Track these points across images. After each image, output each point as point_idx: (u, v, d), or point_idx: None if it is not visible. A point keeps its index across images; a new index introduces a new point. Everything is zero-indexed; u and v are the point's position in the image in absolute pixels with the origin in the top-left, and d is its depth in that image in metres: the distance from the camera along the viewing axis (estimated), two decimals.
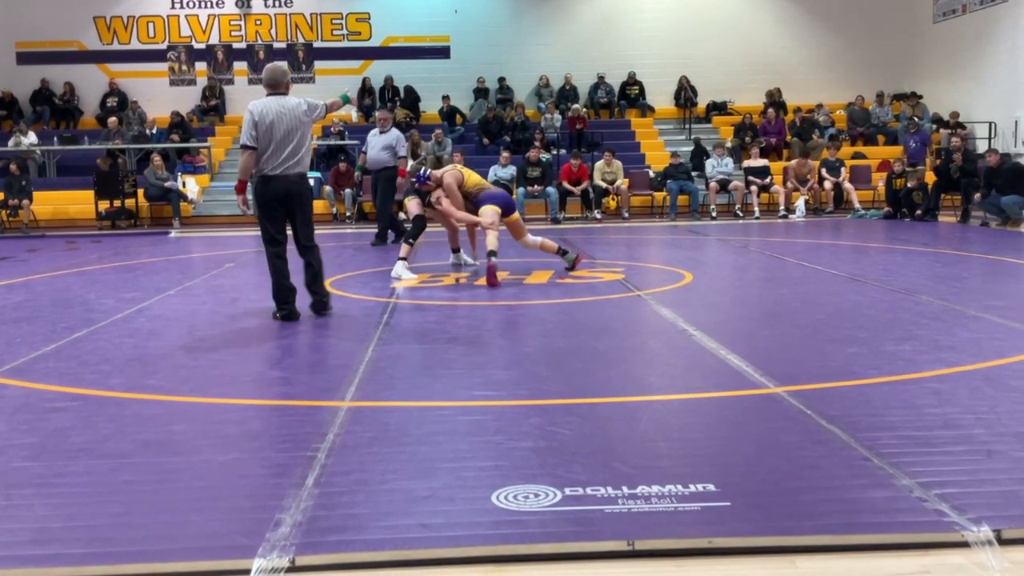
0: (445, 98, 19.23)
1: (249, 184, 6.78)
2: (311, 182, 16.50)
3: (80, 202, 16.47)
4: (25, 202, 15.40)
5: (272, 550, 2.81)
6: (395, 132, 11.95)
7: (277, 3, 20.01)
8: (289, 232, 6.87)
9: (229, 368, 5.55)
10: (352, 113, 19.28)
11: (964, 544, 2.84)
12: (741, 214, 15.93)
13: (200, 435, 4.08)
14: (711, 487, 3.26)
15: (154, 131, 18.11)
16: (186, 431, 4.12)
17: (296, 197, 6.63)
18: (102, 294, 8.33)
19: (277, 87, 6.66)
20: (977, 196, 13.98)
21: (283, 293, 6.77)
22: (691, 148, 18.30)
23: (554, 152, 17.57)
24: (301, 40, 20.08)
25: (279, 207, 6.64)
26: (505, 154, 16.06)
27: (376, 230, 12.37)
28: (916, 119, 17.87)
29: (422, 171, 9.27)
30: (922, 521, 2.98)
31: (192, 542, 2.90)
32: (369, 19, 20.21)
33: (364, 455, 3.69)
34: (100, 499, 3.29)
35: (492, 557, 2.81)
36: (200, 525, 3.04)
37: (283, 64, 6.94)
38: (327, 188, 16.48)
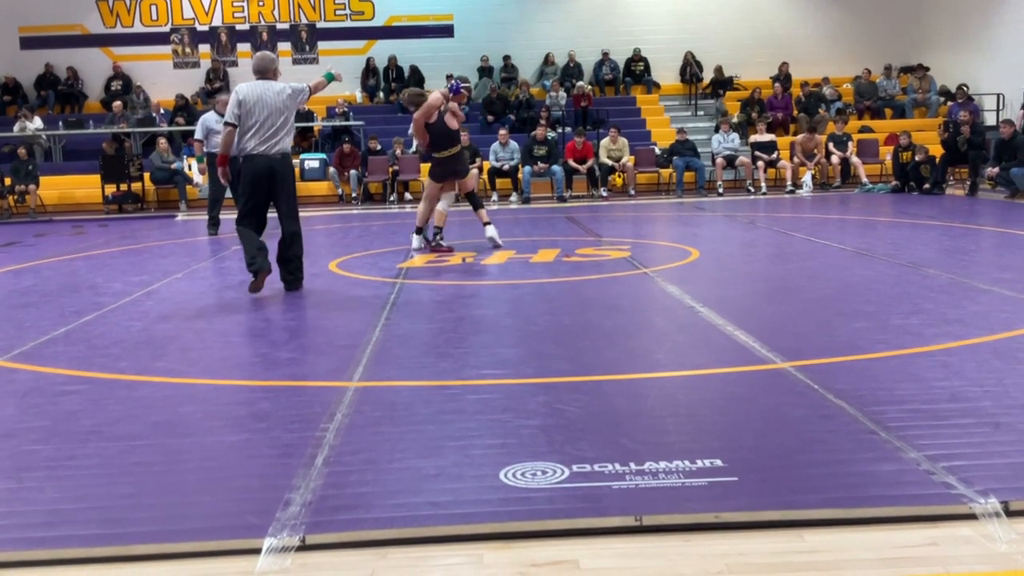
0: (449, 77, 19.13)
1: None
2: (316, 163, 16.58)
3: (86, 186, 16.48)
4: (32, 187, 15.41)
5: (282, 529, 2.83)
6: None
7: None
8: (272, 215, 7.13)
9: (237, 350, 5.58)
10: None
11: (972, 516, 2.85)
12: (752, 190, 15.86)
13: (209, 416, 4.10)
14: (718, 462, 3.27)
15: (161, 112, 18.08)
16: (195, 412, 4.15)
17: (278, 175, 6.94)
18: (110, 278, 8.35)
19: (265, 73, 7.05)
20: (993, 171, 13.87)
21: (252, 252, 6.92)
22: (710, 117, 18.33)
23: (560, 130, 17.50)
24: (304, 21, 19.99)
25: (261, 186, 6.94)
26: (502, 132, 15.96)
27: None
28: (964, 88, 17.61)
29: (455, 82, 9.33)
30: (930, 494, 2.99)
31: (202, 522, 2.93)
32: None
33: (372, 434, 3.71)
34: (110, 481, 3.31)
35: (500, 534, 2.83)
36: (210, 505, 3.06)
37: (271, 53, 7.46)
38: (331, 169, 16.45)
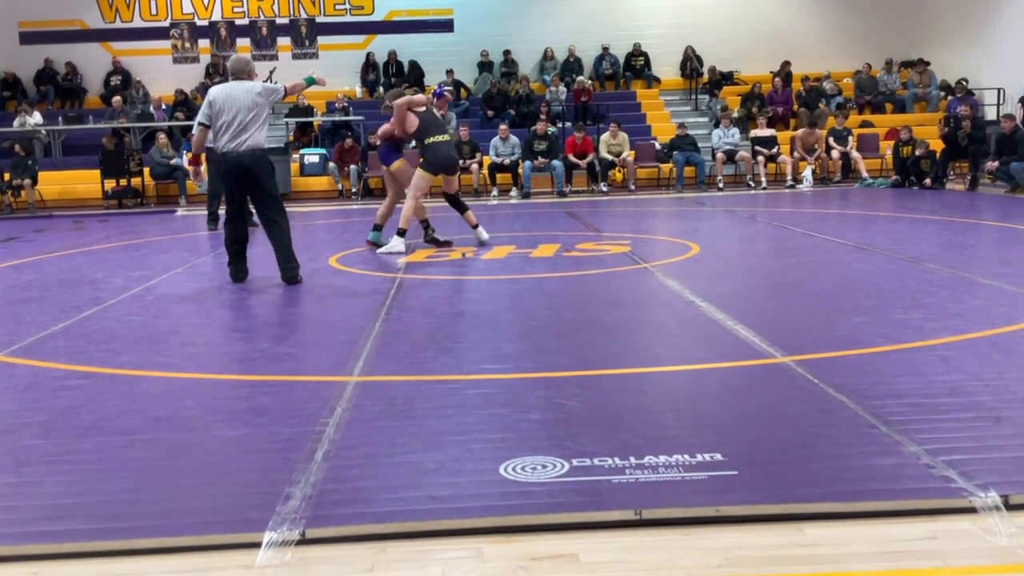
0: (449, 72, 19.12)
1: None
2: (316, 159, 16.53)
3: (86, 181, 16.46)
4: (27, 182, 15.33)
5: (282, 523, 2.83)
6: None
7: None
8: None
9: (237, 344, 5.57)
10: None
11: (971, 510, 2.85)
12: (752, 185, 15.83)
13: (209, 411, 4.10)
14: (718, 456, 3.27)
15: (162, 107, 18.06)
16: (195, 407, 4.15)
17: (248, 171, 7.15)
18: (110, 273, 8.35)
19: (239, 75, 7.34)
20: (992, 165, 13.84)
21: (230, 252, 7.49)
22: (701, 114, 18.23)
23: (560, 125, 17.49)
24: (304, 15, 19.96)
25: (235, 180, 7.22)
26: (503, 127, 15.93)
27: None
28: (963, 83, 17.55)
29: (439, 87, 9.54)
30: (929, 487, 2.99)
31: (203, 516, 2.93)
32: None
33: (372, 429, 3.71)
34: (111, 475, 3.31)
35: (500, 528, 2.83)
36: (210, 500, 3.06)
37: (246, 56, 7.97)
38: (331, 164, 16.43)
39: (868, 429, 3.53)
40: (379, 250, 9.04)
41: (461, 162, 13.00)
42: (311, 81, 7.75)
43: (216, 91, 7.30)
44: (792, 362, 4.50)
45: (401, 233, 8.97)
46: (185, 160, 16.14)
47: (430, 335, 5.48)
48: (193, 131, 11.61)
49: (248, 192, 7.31)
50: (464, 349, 5.11)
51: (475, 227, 9.30)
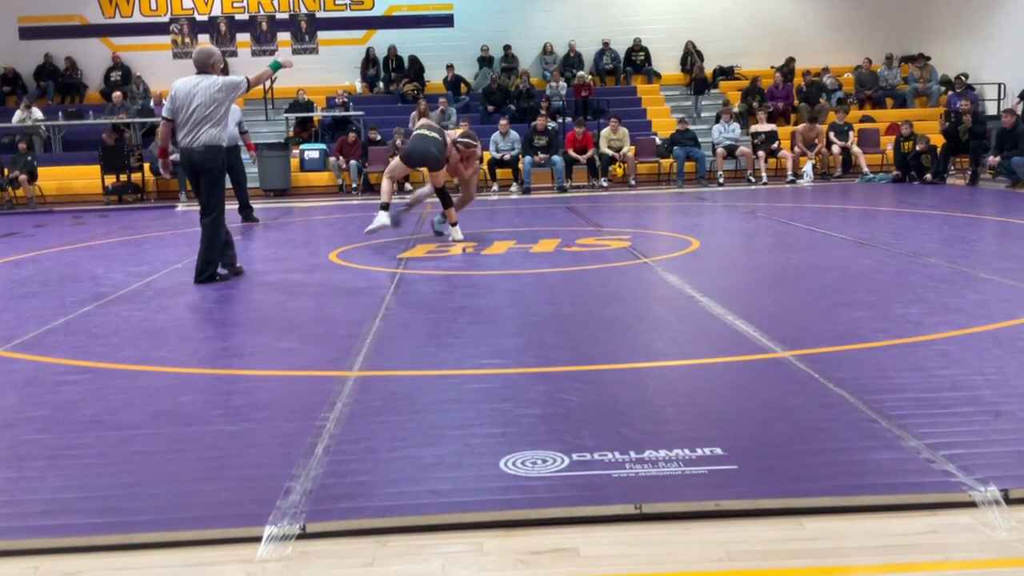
0: (449, 67, 19.11)
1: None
2: (316, 154, 16.51)
3: (86, 177, 16.46)
4: (23, 178, 15.28)
5: (283, 517, 2.83)
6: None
7: None
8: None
9: (237, 339, 5.58)
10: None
11: (971, 504, 2.85)
12: (753, 180, 15.82)
13: (210, 406, 4.10)
14: (718, 451, 3.27)
15: (163, 103, 18.03)
16: (196, 402, 4.15)
17: (197, 166, 7.16)
18: (110, 268, 8.35)
19: (204, 67, 7.22)
20: (993, 160, 13.83)
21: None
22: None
23: (560, 120, 17.47)
24: (303, 10, 19.93)
25: (192, 176, 7.29)
26: (503, 122, 15.92)
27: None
28: (962, 78, 17.53)
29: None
30: (929, 482, 2.99)
31: (203, 511, 2.93)
32: None
33: (372, 423, 3.71)
34: (111, 470, 3.31)
35: (500, 522, 2.83)
36: (211, 494, 3.06)
37: (211, 47, 7.64)
38: (331, 159, 16.42)
39: (868, 423, 3.54)
40: (366, 229, 9.28)
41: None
42: (276, 66, 7.61)
43: (178, 85, 7.20)
44: (792, 357, 4.50)
45: (384, 207, 9.14)
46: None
47: (430, 330, 5.48)
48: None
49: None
50: (464, 344, 5.10)
51: (453, 224, 9.31)
